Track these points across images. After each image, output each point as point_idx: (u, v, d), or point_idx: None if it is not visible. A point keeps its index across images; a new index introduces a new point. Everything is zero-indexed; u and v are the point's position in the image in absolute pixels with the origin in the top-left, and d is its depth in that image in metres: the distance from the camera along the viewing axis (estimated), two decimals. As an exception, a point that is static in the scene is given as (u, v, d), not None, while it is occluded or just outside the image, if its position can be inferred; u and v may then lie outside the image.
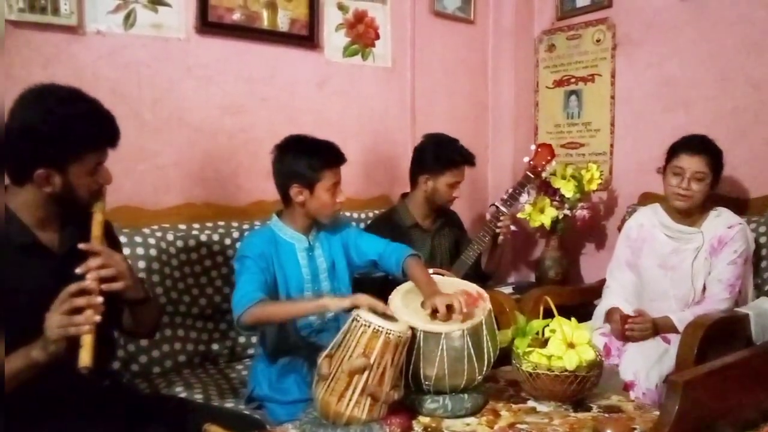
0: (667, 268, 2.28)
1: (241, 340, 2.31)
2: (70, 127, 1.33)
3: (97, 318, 1.26)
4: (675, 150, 2.25)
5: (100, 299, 1.28)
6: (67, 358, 1.27)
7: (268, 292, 1.76)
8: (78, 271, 1.30)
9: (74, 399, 1.43)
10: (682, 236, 2.27)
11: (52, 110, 1.32)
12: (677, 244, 2.27)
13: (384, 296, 1.66)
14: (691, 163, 2.18)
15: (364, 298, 1.57)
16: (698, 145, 2.22)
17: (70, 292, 1.27)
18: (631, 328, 2.15)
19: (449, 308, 1.59)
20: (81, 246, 1.34)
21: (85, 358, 1.24)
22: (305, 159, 1.86)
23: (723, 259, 2.18)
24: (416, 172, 2.48)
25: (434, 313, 1.60)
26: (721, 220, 2.23)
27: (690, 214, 2.25)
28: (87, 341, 1.25)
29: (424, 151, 2.47)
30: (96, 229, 1.39)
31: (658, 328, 2.17)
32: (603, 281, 2.54)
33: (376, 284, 2.00)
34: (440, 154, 2.42)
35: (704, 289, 2.22)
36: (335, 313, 1.87)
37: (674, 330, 2.14)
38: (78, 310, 1.26)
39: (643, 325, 2.15)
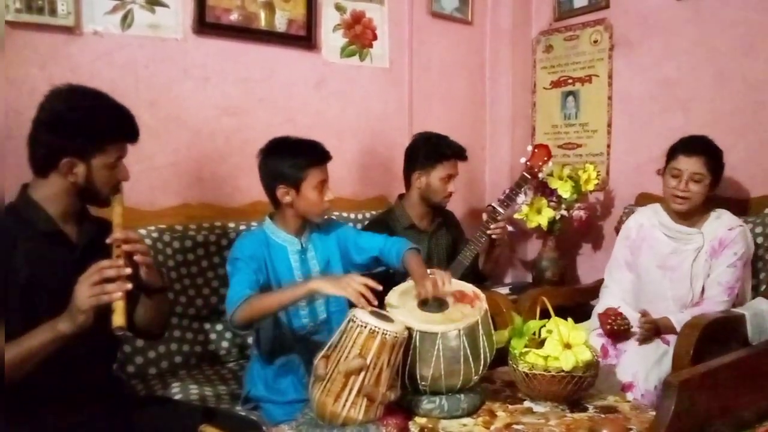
0: (666, 268, 2.27)
1: (238, 341, 2.31)
2: (95, 119, 1.44)
3: (129, 285, 1.33)
4: (674, 151, 2.25)
5: (128, 270, 1.34)
6: (68, 358, 1.31)
7: (259, 290, 1.76)
8: (108, 241, 1.38)
9: (72, 400, 1.43)
10: (682, 237, 2.26)
11: (79, 102, 1.44)
12: (677, 244, 2.27)
13: (384, 293, 1.66)
14: (688, 165, 2.18)
15: (354, 282, 1.55)
16: (696, 146, 2.21)
17: (101, 266, 1.32)
18: (615, 323, 2.14)
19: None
20: (108, 240, 1.40)
21: (119, 319, 1.29)
22: (288, 159, 1.86)
23: (723, 262, 2.18)
24: (409, 170, 2.49)
25: (423, 302, 1.65)
26: (722, 222, 2.22)
27: (690, 215, 2.25)
28: (119, 306, 1.30)
29: (415, 148, 2.48)
30: (117, 218, 1.45)
31: (657, 329, 2.16)
32: (600, 282, 2.54)
33: (377, 280, 1.99)
34: (430, 149, 2.43)
35: (703, 290, 2.22)
36: (326, 308, 1.88)
37: (673, 331, 2.13)
38: (107, 281, 1.31)
39: (648, 326, 2.14)
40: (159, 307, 1.60)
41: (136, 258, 1.41)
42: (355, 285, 1.55)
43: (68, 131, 1.40)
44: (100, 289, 1.29)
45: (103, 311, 1.30)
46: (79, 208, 1.51)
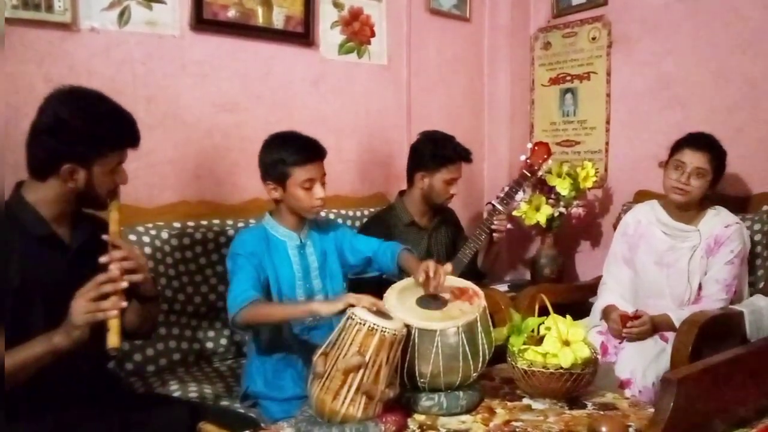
0: (663, 265, 2.28)
1: (236, 338, 2.31)
2: (99, 125, 1.41)
3: (124, 303, 1.32)
4: (679, 145, 2.25)
5: (125, 284, 1.34)
6: (69, 356, 1.31)
7: (261, 289, 1.76)
8: (102, 260, 1.36)
9: (70, 397, 1.43)
10: (679, 234, 2.27)
11: (83, 108, 1.40)
12: (674, 241, 2.27)
13: (379, 297, 1.65)
14: (693, 158, 2.19)
15: (355, 299, 1.54)
16: (703, 141, 2.22)
17: (99, 281, 1.32)
18: (630, 331, 2.14)
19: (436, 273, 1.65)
20: (104, 237, 1.40)
21: (114, 339, 1.29)
22: (277, 155, 1.85)
23: (720, 259, 2.18)
24: (413, 169, 2.48)
25: (422, 300, 1.64)
26: (719, 219, 2.23)
27: (687, 210, 2.25)
28: (114, 324, 1.30)
29: (420, 148, 2.47)
30: (113, 225, 1.45)
31: (657, 326, 2.16)
32: (598, 279, 2.53)
33: (371, 285, 2.00)
34: (436, 151, 2.42)
35: (700, 287, 2.22)
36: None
37: (672, 328, 2.13)
38: (103, 297, 1.31)
39: (643, 327, 2.14)
40: (149, 313, 1.60)
41: (128, 278, 1.36)
42: (355, 299, 1.54)
43: (72, 138, 1.37)
44: (96, 306, 1.29)
45: (99, 324, 1.30)
46: (74, 210, 1.49)
